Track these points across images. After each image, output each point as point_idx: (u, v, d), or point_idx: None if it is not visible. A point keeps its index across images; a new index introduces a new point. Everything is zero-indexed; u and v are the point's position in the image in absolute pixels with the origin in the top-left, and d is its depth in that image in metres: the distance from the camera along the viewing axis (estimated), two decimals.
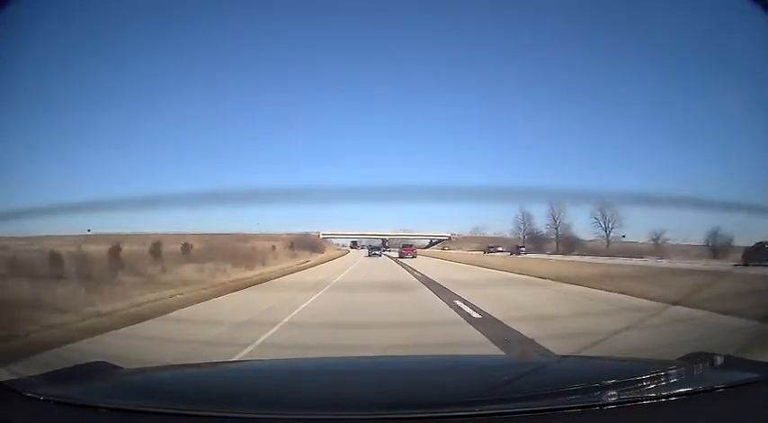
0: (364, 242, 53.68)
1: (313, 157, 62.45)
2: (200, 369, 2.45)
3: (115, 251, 15.60)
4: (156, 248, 18.49)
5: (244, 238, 30.08)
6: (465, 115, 60.18)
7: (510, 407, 1.36)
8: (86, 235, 20.97)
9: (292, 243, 34.74)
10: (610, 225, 38.14)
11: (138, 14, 30.42)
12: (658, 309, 7.61)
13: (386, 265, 25.71)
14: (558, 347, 4.41)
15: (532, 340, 5.19)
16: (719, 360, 1.71)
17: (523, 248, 38.53)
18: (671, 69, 36.06)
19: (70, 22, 26.71)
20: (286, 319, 6.87)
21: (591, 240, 38.59)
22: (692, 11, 28.23)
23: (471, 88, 56.51)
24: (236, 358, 4.24)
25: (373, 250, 41.29)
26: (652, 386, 1.47)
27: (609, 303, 8.60)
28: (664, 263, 22.97)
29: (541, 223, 42.75)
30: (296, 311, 7.73)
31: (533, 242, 41.91)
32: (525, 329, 5.78)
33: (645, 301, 8.46)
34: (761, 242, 19.02)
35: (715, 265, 19.84)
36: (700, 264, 20.24)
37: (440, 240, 52.35)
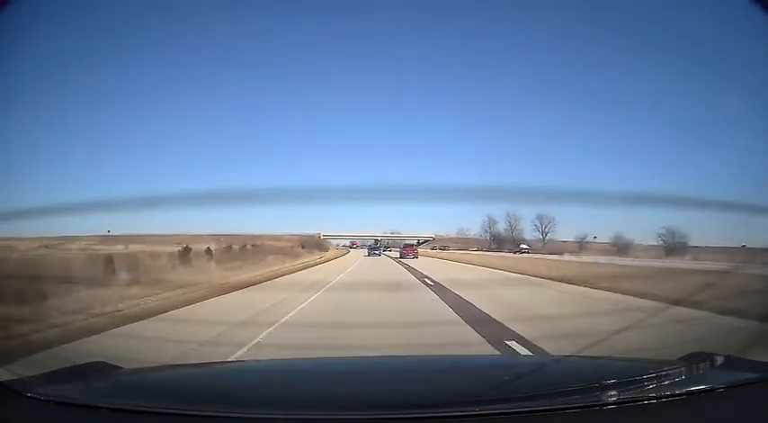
0: (360, 243, 55.77)
1: (312, 157, 62.90)
2: (199, 369, 2.45)
3: (186, 251, 18.21)
4: (207, 250, 20.50)
5: (252, 238, 31.20)
6: (465, 116, 60.81)
7: (509, 407, 1.36)
8: (105, 235, 21.75)
9: (303, 243, 39.89)
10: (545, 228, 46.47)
11: (138, 14, 30.41)
12: None
13: (386, 264, 26.29)
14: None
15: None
16: (720, 360, 1.70)
17: (526, 248, 42.62)
18: (671, 69, 36.00)
19: (70, 22, 26.78)
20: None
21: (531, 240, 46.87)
22: (692, 11, 28.19)
23: (471, 88, 56.91)
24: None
25: (373, 250, 42.39)
26: (652, 386, 1.46)
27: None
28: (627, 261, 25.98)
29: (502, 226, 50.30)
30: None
31: (497, 242, 49.63)
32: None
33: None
34: None
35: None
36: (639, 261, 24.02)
37: (426, 241, 53.91)
